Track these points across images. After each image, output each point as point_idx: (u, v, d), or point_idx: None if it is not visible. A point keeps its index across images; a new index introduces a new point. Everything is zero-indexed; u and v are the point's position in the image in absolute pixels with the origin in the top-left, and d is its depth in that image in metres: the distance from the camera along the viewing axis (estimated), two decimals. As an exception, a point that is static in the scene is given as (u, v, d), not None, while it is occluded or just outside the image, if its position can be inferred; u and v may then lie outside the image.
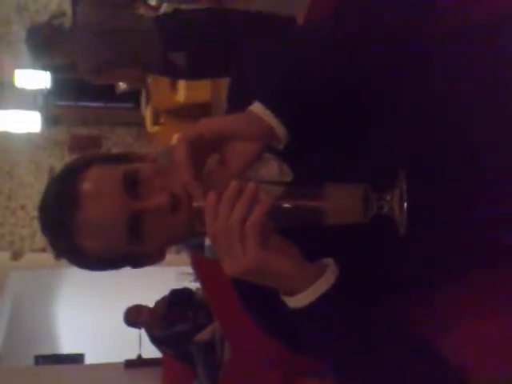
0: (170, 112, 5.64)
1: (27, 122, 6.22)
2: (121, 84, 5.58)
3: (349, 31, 0.81)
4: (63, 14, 2.70)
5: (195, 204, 0.77)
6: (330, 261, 0.78)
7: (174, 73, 2.77)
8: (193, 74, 2.73)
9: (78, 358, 7.33)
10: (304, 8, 1.18)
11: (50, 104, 7.24)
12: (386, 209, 0.71)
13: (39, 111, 6.60)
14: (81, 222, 0.86)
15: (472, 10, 0.88)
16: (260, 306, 0.91)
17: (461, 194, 0.81)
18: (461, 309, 0.90)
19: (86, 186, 0.87)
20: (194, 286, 4.65)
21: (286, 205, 0.74)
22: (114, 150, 7.27)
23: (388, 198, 0.71)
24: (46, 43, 2.50)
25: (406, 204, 0.70)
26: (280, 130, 0.78)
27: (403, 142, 0.84)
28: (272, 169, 0.88)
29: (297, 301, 0.76)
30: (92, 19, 2.47)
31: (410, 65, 0.85)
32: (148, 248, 0.90)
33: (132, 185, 0.87)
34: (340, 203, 0.72)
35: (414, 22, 0.84)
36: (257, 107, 0.78)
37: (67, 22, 2.68)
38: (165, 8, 4.90)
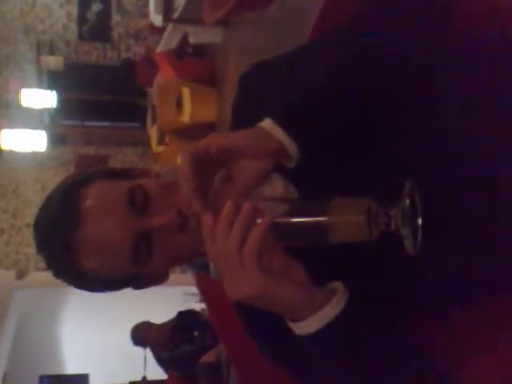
0: (175, 132, 5.65)
1: (33, 141, 6.23)
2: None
3: (362, 46, 0.79)
4: None
5: (192, 222, 0.73)
6: (339, 285, 0.74)
7: None
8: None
9: (82, 379, 7.29)
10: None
11: (56, 123, 7.27)
12: (394, 226, 0.66)
13: (45, 130, 6.61)
14: (82, 241, 0.81)
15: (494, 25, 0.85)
16: (264, 332, 0.87)
17: (473, 211, 0.78)
18: (476, 335, 0.86)
19: (89, 202, 0.82)
20: (200, 306, 4.61)
21: (290, 222, 0.70)
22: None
23: (391, 213, 0.66)
24: None
25: (419, 220, 0.65)
26: (291, 147, 0.74)
27: (414, 160, 0.80)
28: (277, 188, 0.84)
29: (303, 327, 0.72)
30: None
31: (422, 82, 0.82)
32: (153, 268, 0.86)
33: (138, 201, 0.83)
34: (343, 218, 0.68)
35: (431, 39, 0.82)
36: (267, 124, 0.75)
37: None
38: (170, 29, 4.93)
